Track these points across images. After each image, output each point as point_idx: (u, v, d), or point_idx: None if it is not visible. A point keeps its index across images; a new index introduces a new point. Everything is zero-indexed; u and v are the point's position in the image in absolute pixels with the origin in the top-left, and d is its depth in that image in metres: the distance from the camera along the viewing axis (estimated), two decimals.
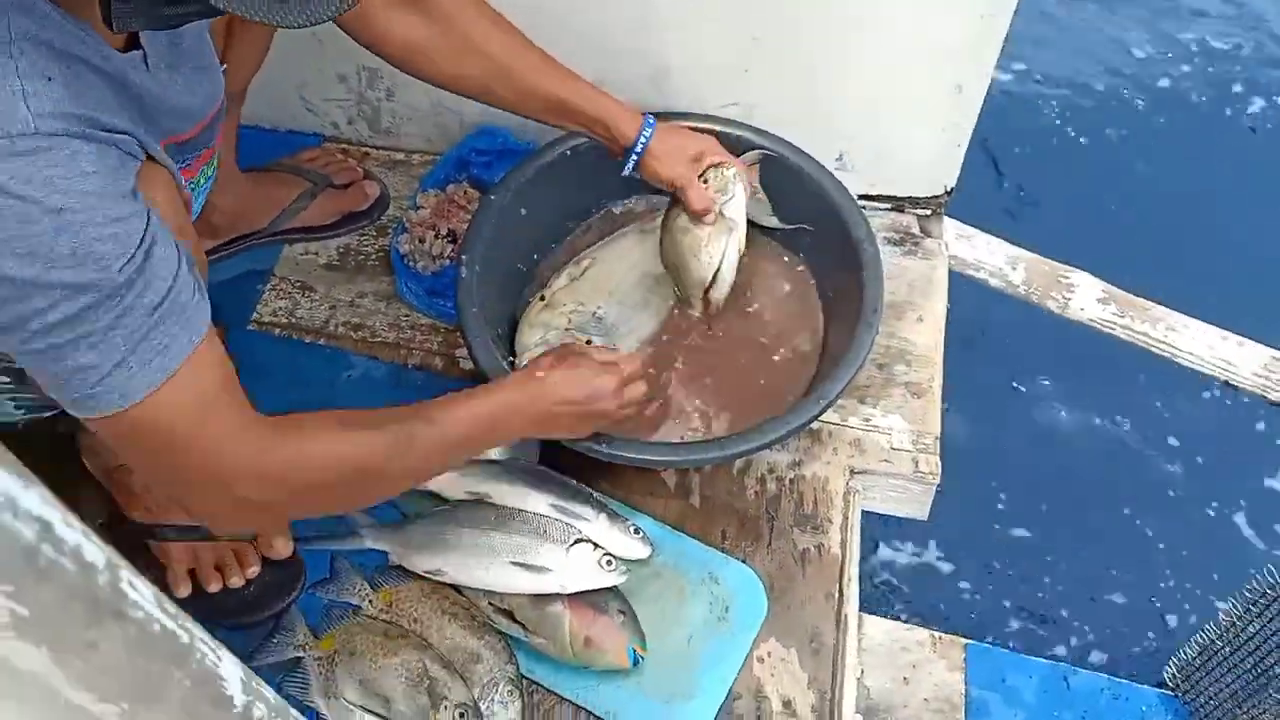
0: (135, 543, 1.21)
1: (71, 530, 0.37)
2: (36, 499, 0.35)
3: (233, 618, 1.22)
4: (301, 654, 1.18)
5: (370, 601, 1.21)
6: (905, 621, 1.55)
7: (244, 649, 1.19)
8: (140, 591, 0.40)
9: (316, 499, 0.96)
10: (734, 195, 1.25)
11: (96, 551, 0.38)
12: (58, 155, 0.72)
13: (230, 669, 0.47)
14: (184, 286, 0.81)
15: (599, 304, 1.36)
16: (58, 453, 1.22)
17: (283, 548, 1.23)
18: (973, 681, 1.43)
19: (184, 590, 1.21)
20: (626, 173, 1.25)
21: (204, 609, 1.21)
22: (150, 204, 0.80)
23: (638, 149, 1.22)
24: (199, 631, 0.44)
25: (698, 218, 1.25)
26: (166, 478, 0.90)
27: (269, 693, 0.50)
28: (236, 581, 1.22)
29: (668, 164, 1.23)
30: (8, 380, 0.96)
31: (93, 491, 1.25)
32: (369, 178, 1.56)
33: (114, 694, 0.41)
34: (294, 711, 0.55)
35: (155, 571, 1.22)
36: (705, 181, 1.24)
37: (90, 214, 0.73)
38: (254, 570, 1.22)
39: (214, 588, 1.21)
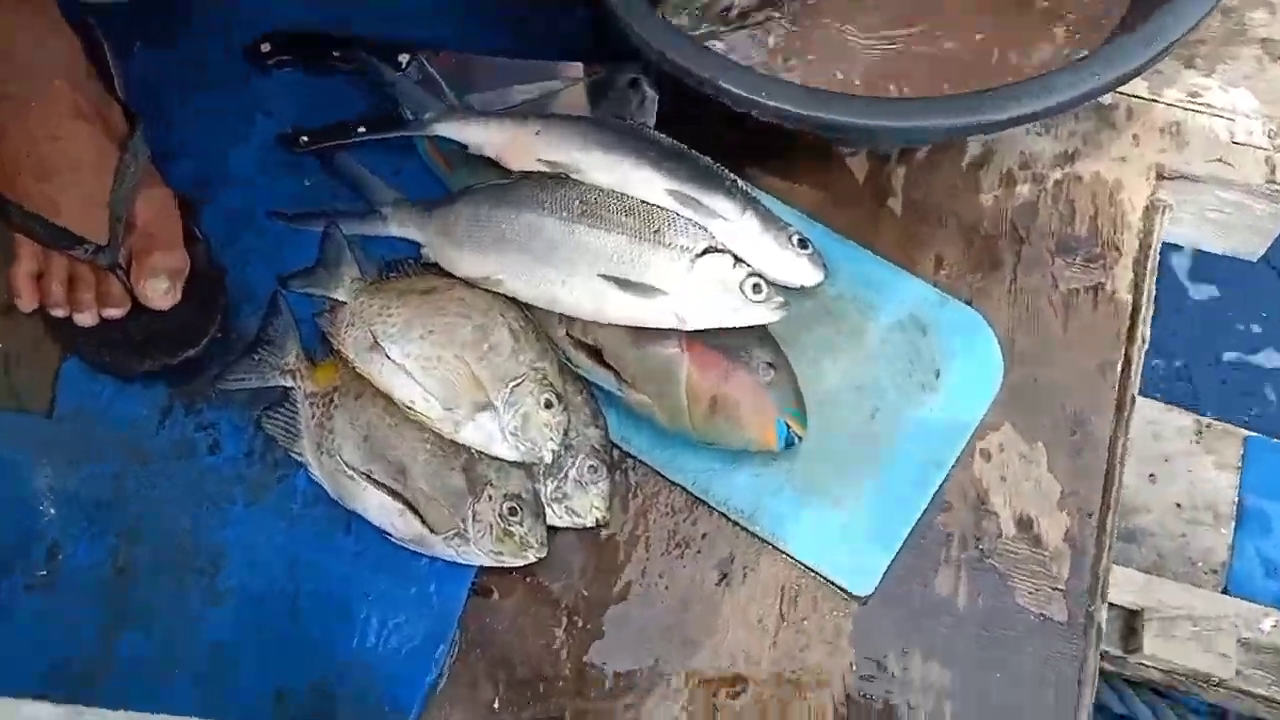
0: None
1: None
2: None
3: (116, 365, 0.82)
4: (290, 384, 0.79)
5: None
6: (1162, 401, 1.16)
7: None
8: None
9: None
10: None
11: None
12: None
13: None
14: None
15: None
16: None
17: (158, 294, 0.81)
18: (1250, 486, 1.11)
19: (26, 301, 0.80)
20: None
21: (71, 336, 0.82)
22: None
23: None
24: None
25: None
26: None
27: None
28: (113, 313, 0.81)
29: None
30: None
31: None
32: None
33: None
34: None
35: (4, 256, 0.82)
36: None
37: None
38: (115, 312, 0.81)
39: (60, 313, 0.81)
